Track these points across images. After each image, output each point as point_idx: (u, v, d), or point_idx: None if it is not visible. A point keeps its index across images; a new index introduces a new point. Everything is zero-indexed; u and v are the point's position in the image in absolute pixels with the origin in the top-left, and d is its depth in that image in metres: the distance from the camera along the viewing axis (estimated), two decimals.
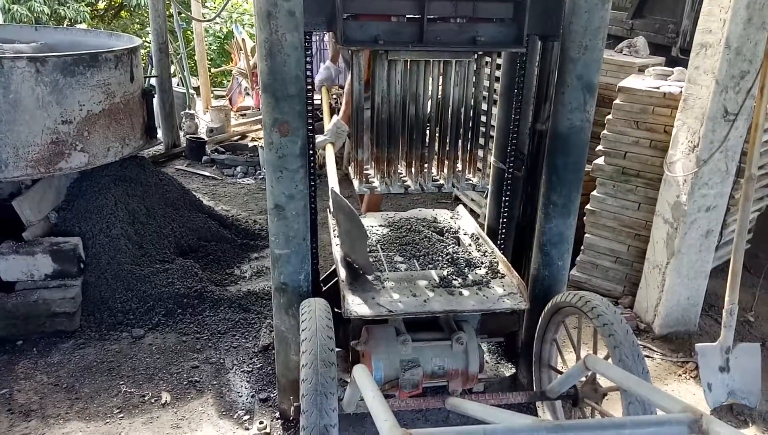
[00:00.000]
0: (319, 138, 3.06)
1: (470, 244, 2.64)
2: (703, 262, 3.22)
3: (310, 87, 2.17)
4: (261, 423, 2.55)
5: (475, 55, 2.13)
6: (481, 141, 2.27)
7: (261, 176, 5.64)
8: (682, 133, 3.06)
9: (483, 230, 2.87)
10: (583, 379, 2.14)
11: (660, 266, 3.25)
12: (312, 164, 2.31)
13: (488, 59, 2.19)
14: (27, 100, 3.04)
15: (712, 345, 2.77)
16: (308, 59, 2.11)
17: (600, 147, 3.51)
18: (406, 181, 2.26)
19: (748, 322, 3.46)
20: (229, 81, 8.68)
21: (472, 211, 4.42)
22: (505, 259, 2.50)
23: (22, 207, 3.24)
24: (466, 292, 2.24)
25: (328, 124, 3.11)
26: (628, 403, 1.86)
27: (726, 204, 3.17)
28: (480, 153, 2.28)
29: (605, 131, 3.48)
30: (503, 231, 2.85)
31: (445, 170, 2.26)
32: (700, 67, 2.92)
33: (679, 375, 3.03)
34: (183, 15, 7.18)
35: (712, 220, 3.14)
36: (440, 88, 2.19)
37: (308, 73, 2.13)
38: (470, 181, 2.28)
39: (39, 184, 3.36)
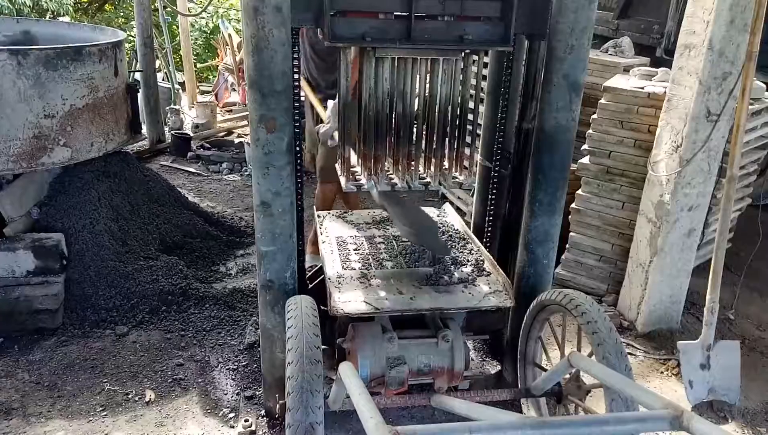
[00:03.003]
0: (322, 128, 2.83)
1: (456, 242, 2.65)
2: (686, 260, 3.27)
3: (297, 83, 2.16)
4: (246, 421, 2.54)
5: (463, 54, 2.14)
6: (468, 139, 2.28)
7: (247, 173, 5.61)
8: (665, 133, 3.09)
9: (469, 228, 2.89)
10: (567, 376, 2.16)
11: (643, 265, 3.28)
12: (299, 161, 2.30)
13: (475, 57, 2.20)
14: (8, 94, 2.99)
15: (693, 343, 2.81)
16: (295, 55, 2.10)
17: (585, 146, 3.54)
18: (393, 179, 2.26)
19: (728, 320, 3.52)
20: (215, 76, 8.62)
21: (458, 209, 4.44)
22: (491, 257, 2.51)
23: (3, 202, 3.19)
24: (452, 290, 2.24)
25: (324, 111, 2.88)
26: (611, 399, 1.88)
27: (708, 203, 3.21)
28: (467, 151, 2.29)
29: (590, 130, 3.51)
30: (489, 229, 2.86)
31: (432, 168, 2.27)
32: (684, 67, 2.95)
33: (662, 372, 3.07)
34: (168, 9, 7.11)
35: (695, 220, 3.19)
36: (428, 85, 2.19)
37: (295, 69, 2.12)
38: (457, 180, 2.29)
39: (20, 179, 3.31)
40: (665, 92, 3.11)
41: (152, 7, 6.07)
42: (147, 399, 2.71)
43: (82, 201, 3.43)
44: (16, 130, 3.06)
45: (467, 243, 2.64)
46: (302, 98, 2.87)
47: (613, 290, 3.58)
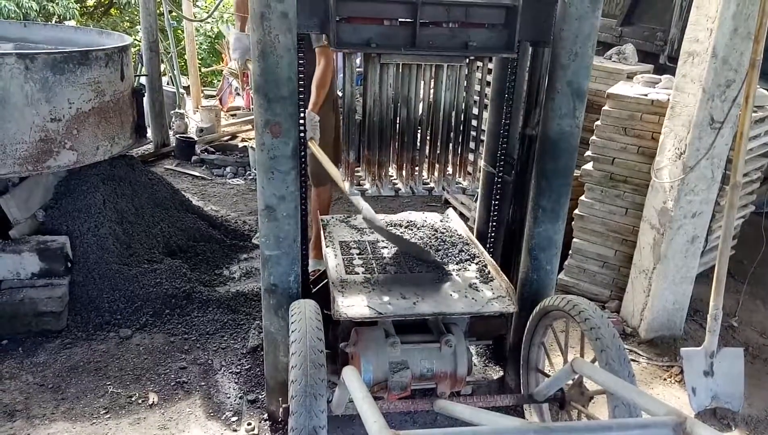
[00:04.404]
0: (233, 54, 2.98)
1: (459, 247, 2.66)
2: (689, 267, 3.26)
3: (302, 88, 2.18)
4: (249, 424, 2.55)
5: (467, 60, 2.15)
6: (472, 145, 2.29)
7: (251, 177, 5.63)
8: (669, 140, 3.10)
9: (472, 233, 2.89)
10: (570, 382, 2.16)
11: (646, 271, 3.28)
12: (303, 165, 2.31)
13: (480, 64, 2.21)
14: (16, 97, 3.01)
15: (696, 349, 2.80)
16: (301, 60, 2.11)
17: (589, 152, 3.54)
18: (396, 184, 2.27)
19: (732, 327, 3.51)
20: (219, 81, 8.65)
21: (461, 215, 4.44)
22: (494, 263, 2.52)
23: (8, 205, 3.21)
24: (455, 295, 2.25)
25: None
26: (614, 406, 1.88)
27: (711, 210, 3.21)
28: (470, 157, 2.30)
29: (594, 137, 3.52)
30: (492, 234, 2.87)
31: (436, 173, 2.27)
32: (688, 75, 2.96)
33: (665, 379, 3.06)
34: (174, 14, 7.15)
35: (698, 226, 3.18)
36: (432, 91, 2.20)
37: (300, 75, 2.14)
38: (460, 185, 2.29)
39: (26, 182, 3.33)
40: (669, 99, 3.12)
41: (158, 11, 6.11)
42: (150, 402, 2.72)
43: (87, 204, 3.45)
44: (23, 133, 3.08)
45: (470, 248, 2.64)
46: None
47: (616, 296, 3.58)
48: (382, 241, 2.70)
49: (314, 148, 2.80)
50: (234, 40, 3.52)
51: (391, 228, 2.72)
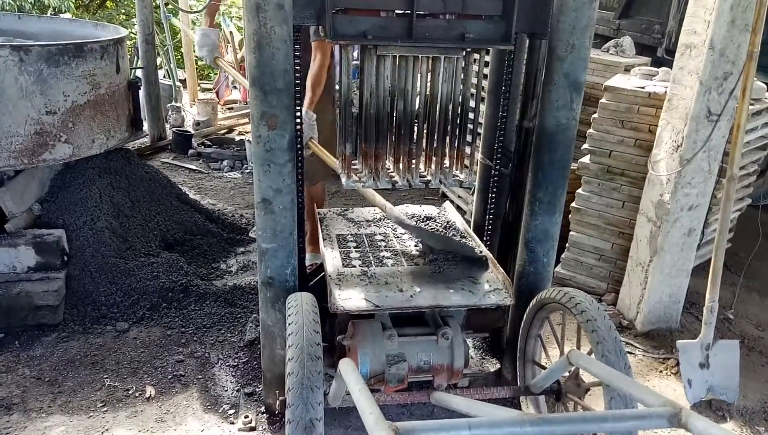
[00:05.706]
0: None
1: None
2: (685, 260, 3.27)
3: (298, 81, 2.17)
4: (246, 417, 2.55)
5: (464, 52, 2.14)
6: (469, 138, 2.28)
7: (248, 170, 5.61)
8: (666, 132, 3.09)
9: (469, 226, 2.89)
10: (567, 374, 2.17)
11: (643, 264, 3.29)
12: (299, 158, 2.31)
13: (477, 56, 2.20)
14: (10, 90, 2.99)
15: (692, 342, 2.81)
16: (297, 53, 2.10)
17: (586, 145, 3.54)
18: (393, 177, 2.26)
19: (727, 320, 3.52)
20: (216, 74, 8.61)
21: (458, 208, 4.44)
22: (491, 255, 2.52)
23: (4, 198, 3.20)
24: (452, 288, 2.25)
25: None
26: (610, 397, 1.88)
27: (708, 203, 3.22)
28: (467, 150, 2.29)
29: (591, 130, 3.52)
30: (489, 227, 2.87)
31: (433, 166, 2.27)
32: (685, 67, 2.96)
33: (661, 371, 3.08)
34: (170, 6, 7.10)
35: (695, 219, 3.19)
36: (429, 84, 2.19)
37: (297, 67, 2.12)
38: (457, 178, 2.29)
39: (22, 175, 3.32)
40: (666, 92, 3.12)
41: (153, 4, 6.07)
42: (147, 395, 2.72)
43: (83, 197, 3.43)
44: (18, 126, 3.06)
45: (468, 241, 2.65)
46: None
47: (612, 289, 3.59)
48: (379, 234, 2.70)
49: (315, 147, 2.67)
50: (200, 36, 3.30)
51: (413, 223, 2.64)
